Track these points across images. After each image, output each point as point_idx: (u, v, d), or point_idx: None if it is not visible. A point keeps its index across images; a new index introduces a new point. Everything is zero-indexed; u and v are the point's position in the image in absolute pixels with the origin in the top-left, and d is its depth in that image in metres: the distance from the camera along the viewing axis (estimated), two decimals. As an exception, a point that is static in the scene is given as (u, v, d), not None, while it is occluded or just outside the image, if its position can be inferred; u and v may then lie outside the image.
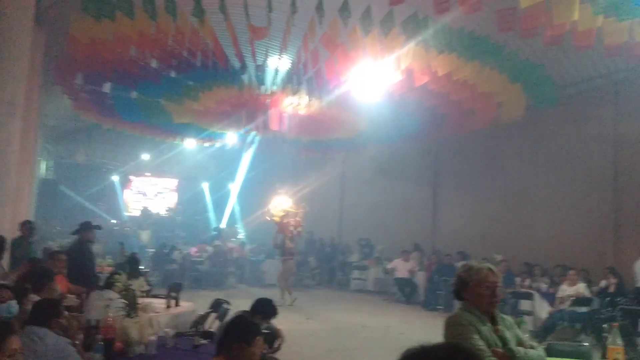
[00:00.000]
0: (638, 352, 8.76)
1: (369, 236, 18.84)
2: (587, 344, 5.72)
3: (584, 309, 10.10)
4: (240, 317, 4.05)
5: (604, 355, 4.12)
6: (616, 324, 4.39)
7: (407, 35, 8.35)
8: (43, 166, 22.81)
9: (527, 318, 10.68)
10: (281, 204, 14.85)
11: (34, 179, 16.95)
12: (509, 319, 3.41)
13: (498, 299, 3.24)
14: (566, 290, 10.36)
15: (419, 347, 1.38)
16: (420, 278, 15.06)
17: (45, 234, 17.92)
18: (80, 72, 11.48)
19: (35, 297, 4.77)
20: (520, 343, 3.28)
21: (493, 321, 3.25)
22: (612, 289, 10.34)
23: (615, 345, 4.02)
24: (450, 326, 3.18)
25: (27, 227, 8.85)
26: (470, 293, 3.25)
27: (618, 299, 9.94)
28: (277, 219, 14.23)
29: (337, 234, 21.33)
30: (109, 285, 5.73)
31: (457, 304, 3.39)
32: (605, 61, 12.17)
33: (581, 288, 10.23)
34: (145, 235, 21.82)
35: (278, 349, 5.70)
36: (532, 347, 3.26)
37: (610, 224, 12.49)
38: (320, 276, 18.97)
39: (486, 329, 3.15)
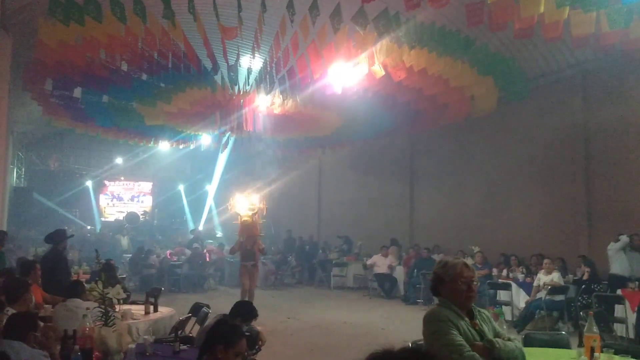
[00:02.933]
0: (614, 338, 8.92)
1: (347, 233, 18.89)
2: (564, 332, 5.80)
3: (560, 297, 10.27)
4: (223, 321, 4.03)
5: (581, 343, 4.18)
6: (591, 311, 4.46)
7: (378, 32, 8.37)
8: (15, 174, 22.40)
9: (505, 308, 10.84)
10: (247, 201, 12.90)
11: (6, 187, 16.65)
12: (485, 312, 3.46)
13: (474, 294, 3.28)
14: (542, 279, 10.50)
15: (382, 351, 1.39)
16: (400, 273, 15.14)
17: (20, 242, 17.64)
18: (50, 78, 11.27)
19: (11, 310, 4.69)
20: (497, 336, 3.33)
21: (470, 315, 3.29)
22: (585, 277, 10.52)
23: (592, 333, 4.09)
24: (429, 322, 3.21)
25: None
26: (447, 289, 3.28)
27: (593, 286, 10.12)
28: (248, 218, 12.30)
29: (316, 232, 21.35)
30: (74, 293, 5.66)
31: (436, 299, 3.43)
32: (573, 52, 12.36)
33: (556, 277, 10.39)
34: (124, 241, 21.61)
35: (259, 350, 5.69)
36: (509, 340, 3.31)
37: (584, 211, 12.70)
38: (301, 275, 18.96)
39: (464, 323, 3.19)
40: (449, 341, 3.03)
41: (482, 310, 3.45)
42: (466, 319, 3.24)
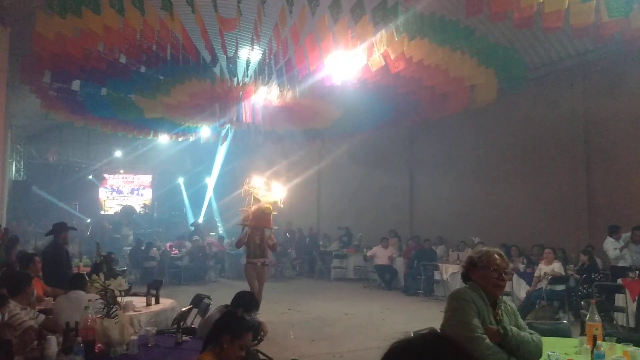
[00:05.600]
0: (615, 327, 8.95)
1: (347, 225, 18.91)
2: (565, 321, 5.82)
3: (561, 287, 10.29)
4: (232, 312, 4.07)
5: (582, 332, 4.19)
6: (593, 300, 4.47)
7: (377, 23, 8.34)
8: (14, 167, 22.38)
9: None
10: (267, 187, 10.59)
11: (5, 181, 16.64)
12: (512, 305, 3.53)
13: (504, 283, 3.35)
14: (543, 269, 10.52)
15: (404, 339, 1.39)
16: (400, 264, 15.17)
17: (19, 236, 17.63)
18: (48, 70, 11.25)
19: (13, 303, 4.70)
20: (519, 329, 3.37)
21: (494, 306, 3.35)
22: (585, 266, 10.56)
23: (593, 321, 4.09)
24: (453, 299, 3.30)
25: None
26: (478, 274, 3.35)
27: (593, 276, 10.14)
28: (269, 206, 10.00)
29: (316, 224, 21.36)
30: (77, 285, 5.66)
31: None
32: (573, 42, 12.32)
33: (557, 267, 10.40)
34: (127, 232, 21.70)
35: (261, 341, 5.71)
36: (531, 334, 3.36)
37: (584, 201, 12.69)
38: (301, 266, 19.00)
39: (487, 310, 3.25)
40: (465, 319, 3.12)
41: (509, 303, 3.53)
42: (490, 307, 3.30)
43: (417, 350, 1.35)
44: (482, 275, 3.32)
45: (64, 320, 4.13)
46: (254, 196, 10.14)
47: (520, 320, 3.48)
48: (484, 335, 3.08)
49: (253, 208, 10.01)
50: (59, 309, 5.29)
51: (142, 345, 4.38)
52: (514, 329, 3.24)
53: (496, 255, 3.36)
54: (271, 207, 9.99)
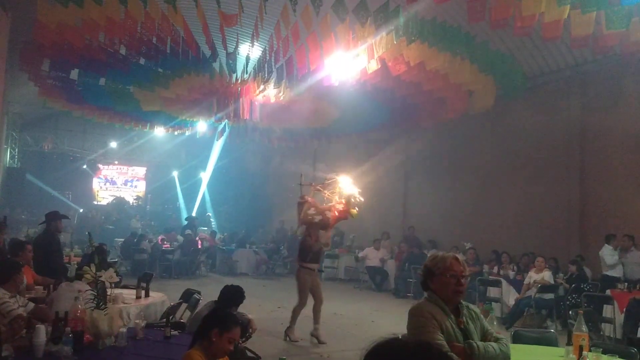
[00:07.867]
0: (602, 337, 8.99)
1: (339, 225, 18.87)
2: (552, 330, 5.85)
3: (550, 296, 10.34)
4: (219, 308, 4.08)
5: (569, 342, 4.21)
6: (581, 310, 4.50)
7: (378, 25, 8.35)
8: (8, 154, 22.30)
9: (495, 305, 10.90)
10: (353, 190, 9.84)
11: (-1, 167, 16.60)
12: (475, 309, 3.43)
13: (463, 289, 3.25)
14: (533, 277, 10.56)
15: (384, 340, 1.38)
16: (391, 266, 15.19)
17: (11, 223, 17.59)
18: (47, 59, 11.22)
19: (1, 290, 4.69)
20: (485, 334, 3.31)
21: (457, 313, 3.26)
22: (574, 276, 10.62)
23: (580, 332, 4.12)
24: (413, 316, 3.20)
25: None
26: (436, 282, 3.26)
27: (582, 286, 10.19)
28: (354, 211, 9.51)
29: (309, 223, 21.32)
30: (79, 276, 5.64)
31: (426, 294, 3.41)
32: (572, 52, 12.37)
33: (547, 276, 10.45)
34: (136, 224, 21.76)
35: (249, 337, 5.71)
36: (497, 339, 3.29)
37: (577, 211, 12.74)
38: (292, 265, 18.98)
39: (449, 321, 3.16)
40: (428, 339, 2.99)
41: (471, 306, 3.42)
42: (452, 316, 3.21)
43: (397, 351, 1.35)
44: (440, 283, 3.22)
45: (62, 309, 4.12)
46: (347, 199, 9.53)
47: (485, 324, 3.39)
48: (451, 354, 2.96)
49: (337, 207, 9.47)
50: (60, 296, 5.20)
51: (131, 338, 4.38)
52: (481, 344, 3.12)
53: (452, 260, 3.26)
54: (356, 213, 9.54)
